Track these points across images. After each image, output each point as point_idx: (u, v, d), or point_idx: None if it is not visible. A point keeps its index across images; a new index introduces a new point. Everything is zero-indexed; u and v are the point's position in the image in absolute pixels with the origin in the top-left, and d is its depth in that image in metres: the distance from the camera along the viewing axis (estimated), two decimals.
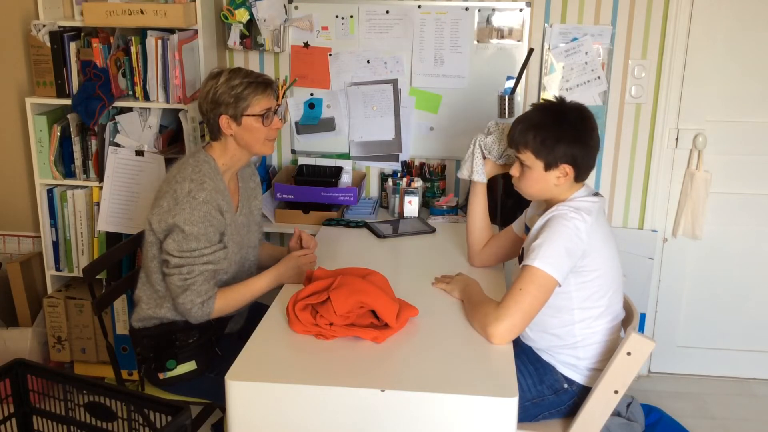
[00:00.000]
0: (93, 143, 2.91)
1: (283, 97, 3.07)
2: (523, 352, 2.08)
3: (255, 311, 2.32)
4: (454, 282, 2.18)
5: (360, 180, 3.10)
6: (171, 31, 2.79)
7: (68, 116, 2.91)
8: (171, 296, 2.11)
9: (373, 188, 3.21)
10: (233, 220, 2.19)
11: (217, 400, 2.19)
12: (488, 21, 2.95)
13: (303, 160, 3.11)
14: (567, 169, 1.97)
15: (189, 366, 2.16)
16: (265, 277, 2.20)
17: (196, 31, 2.83)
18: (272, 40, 2.98)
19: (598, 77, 2.96)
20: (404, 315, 1.93)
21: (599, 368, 2.02)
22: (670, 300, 3.20)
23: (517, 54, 2.97)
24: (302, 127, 3.14)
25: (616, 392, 1.95)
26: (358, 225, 2.77)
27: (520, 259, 2.03)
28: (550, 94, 2.96)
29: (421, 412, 1.65)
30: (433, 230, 2.74)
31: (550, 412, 2.08)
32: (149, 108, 2.87)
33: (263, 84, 2.14)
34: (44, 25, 2.80)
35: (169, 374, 2.15)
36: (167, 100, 2.82)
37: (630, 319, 2.10)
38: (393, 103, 3.07)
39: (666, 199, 3.10)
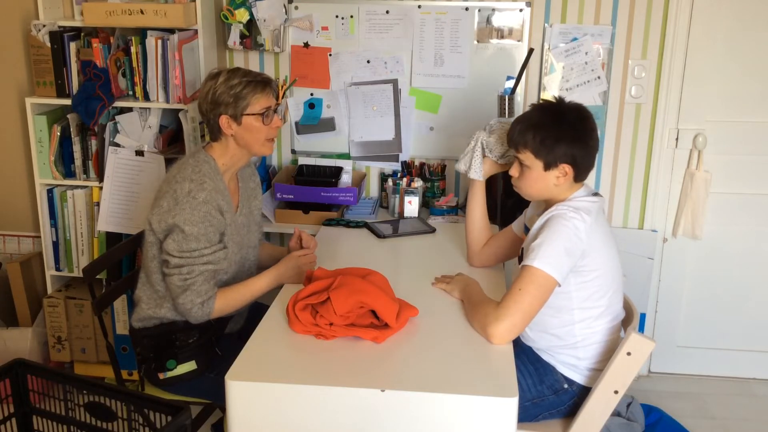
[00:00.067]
0: (93, 143, 2.91)
1: (283, 97, 3.07)
2: (523, 352, 2.08)
3: (255, 311, 2.32)
4: (454, 282, 2.18)
5: (360, 180, 3.10)
6: (171, 31, 2.79)
7: (68, 116, 2.91)
8: (171, 296, 2.11)
9: (373, 188, 3.21)
10: (233, 220, 2.19)
11: (217, 400, 2.19)
12: (488, 21, 2.95)
13: (303, 160, 3.11)
14: (566, 168, 1.97)
15: (189, 366, 2.16)
16: (265, 277, 2.20)
17: (196, 31, 2.83)
18: (272, 40, 2.98)
19: (598, 77, 2.96)
20: (404, 315, 1.93)
21: (599, 368, 2.02)
22: (670, 300, 3.20)
23: (517, 54, 2.97)
24: (302, 127, 3.14)
25: (616, 392, 1.95)
26: (358, 225, 2.77)
27: (520, 259, 2.03)
28: (550, 94, 2.96)
29: (421, 412, 1.65)
30: (433, 230, 2.74)
31: (550, 412, 2.08)
32: (149, 108, 2.87)
33: (262, 83, 2.14)
34: (44, 25, 2.80)
35: (169, 374, 2.15)
36: (167, 100, 2.82)
37: (630, 319, 2.10)
38: (393, 103, 3.07)
39: (666, 199, 3.10)
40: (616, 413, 2.51)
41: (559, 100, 2.04)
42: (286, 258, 2.24)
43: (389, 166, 3.16)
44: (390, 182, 3.00)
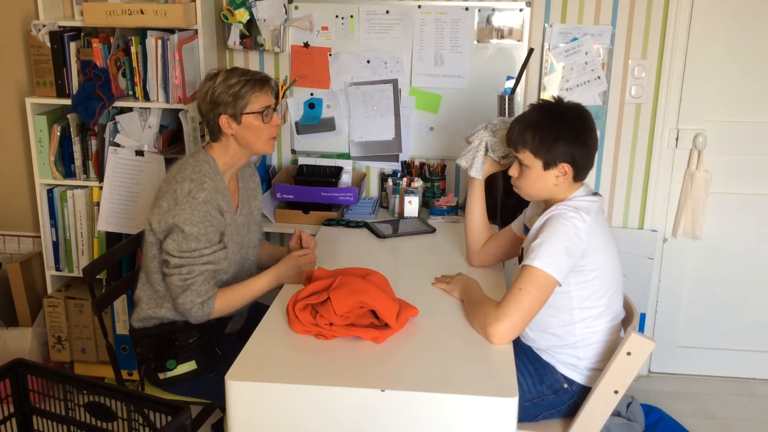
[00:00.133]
0: (93, 143, 2.91)
1: (283, 97, 3.07)
2: (523, 352, 2.08)
3: (255, 311, 2.32)
4: (454, 282, 2.18)
5: (360, 180, 3.10)
6: (171, 31, 2.79)
7: (68, 116, 2.91)
8: (171, 296, 2.11)
9: (373, 188, 3.21)
10: (233, 220, 2.19)
11: (217, 400, 2.19)
12: (488, 21, 2.95)
13: (303, 160, 3.11)
14: (566, 168, 1.97)
15: (189, 366, 2.16)
16: (265, 277, 2.20)
17: (196, 31, 2.83)
18: (272, 40, 2.98)
19: (598, 77, 2.96)
20: (404, 315, 1.93)
21: (599, 368, 2.02)
22: (670, 300, 3.20)
23: (517, 54, 2.97)
24: (302, 127, 3.14)
25: (616, 392, 1.95)
26: (358, 225, 2.77)
27: (520, 259, 2.03)
28: (550, 94, 2.96)
29: (421, 412, 1.65)
30: (433, 230, 2.74)
31: (550, 412, 2.08)
32: (149, 108, 2.87)
33: (261, 81, 2.14)
34: (44, 25, 2.80)
35: (169, 374, 2.15)
36: (167, 100, 2.82)
37: (630, 319, 2.10)
38: (393, 103, 3.07)
39: (666, 199, 3.10)
40: (616, 413, 2.51)
41: (558, 100, 2.04)
42: (286, 258, 2.24)
43: (389, 166, 3.16)
44: (390, 182, 3.00)
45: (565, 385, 2.05)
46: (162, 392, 2.17)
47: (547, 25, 2.94)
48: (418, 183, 2.94)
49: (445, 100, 3.05)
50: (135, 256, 2.93)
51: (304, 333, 1.89)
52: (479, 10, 2.94)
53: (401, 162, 3.12)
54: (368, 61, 3.04)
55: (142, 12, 2.71)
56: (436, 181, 3.05)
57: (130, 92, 2.88)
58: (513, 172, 2.07)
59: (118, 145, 2.87)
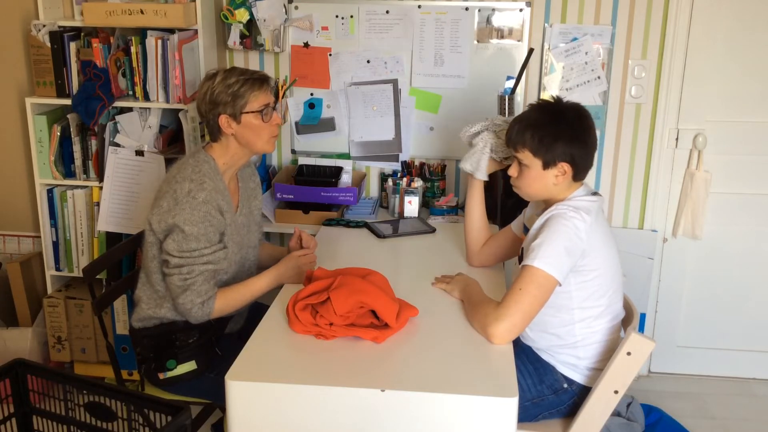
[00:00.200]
0: (93, 143, 2.91)
1: (283, 97, 3.07)
2: (523, 352, 2.08)
3: (255, 311, 2.32)
4: (454, 282, 2.18)
5: (360, 180, 3.10)
6: (171, 31, 2.79)
7: (68, 116, 2.91)
8: (171, 296, 2.11)
9: (373, 188, 3.21)
10: (233, 220, 2.19)
11: (217, 400, 2.19)
12: (488, 21, 2.95)
13: (303, 160, 3.11)
14: (565, 167, 1.97)
15: (189, 366, 2.16)
16: (265, 277, 2.20)
17: (196, 31, 2.83)
18: (272, 40, 2.98)
19: (598, 77, 2.96)
20: (404, 315, 1.93)
21: (599, 368, 2.02)
22: (670, 300, 3.20)
23: (517, 54, 2.97)
24: (302, 127, 3.14)
25: (616, 392, 1.95)
26: (358, 225, 2.77)
27: (520, 259, 2.03)
28: (550, 94, 2.96)
29: (421, 412, 1.65)
30: (433, 230, 2.74)
31: (550, 412, 2.08)
32: (149, 108, 2.87)
33: (259, 80, 2.14)
34: (44, 25, 2.80)
35: (169, 374, 2.15)
36: (167, 100, 2.82)
37: (630, 319, 2.10)
38: (393, 103, 3.07)
39: (666, 199, 3.10)
40: (616, 413, 2.51)
41: (558, 100, 2.04)
42: (286, 258, 2.24)
43: (389, 166, 3.16)
44: (390, 182, 3.00)
45: (565, 385, 2.05)
46: (162, 392, 2.17)
47: (547, 25, 2.94)
48: (418, 183, 2.94)
49: (445, 100, 3.05)
50: (135, 256, 2.93)
51: (304, 333, 1.89)
52: (479, 10, 2.94)
53: (401, 162, 3.12)
54: (368, 61, 3.04)
55: (142, 12, 2.71)
56: (436, 181, 3.05)
57: (130, 92, 2.88)
58: (512, 171, 2.07)
59: (118, 145, 2.87)
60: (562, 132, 1.96)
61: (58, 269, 3.06)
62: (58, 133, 2.90)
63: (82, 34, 2.88)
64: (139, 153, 2.86)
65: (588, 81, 2.96)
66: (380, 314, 1.87)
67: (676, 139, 3.02)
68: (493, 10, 2.93)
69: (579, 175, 2.01)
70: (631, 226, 3.13)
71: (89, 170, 2.95)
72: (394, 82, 3.05)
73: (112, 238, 2.95)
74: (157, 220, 2.07)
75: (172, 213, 2.03)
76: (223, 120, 2.11)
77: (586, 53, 2.93)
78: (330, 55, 3.05)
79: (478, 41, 2.98)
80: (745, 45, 2.92)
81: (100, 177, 2.92)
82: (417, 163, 3.11)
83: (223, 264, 2.13)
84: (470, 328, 1.94)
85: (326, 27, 3.01)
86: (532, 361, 2.08)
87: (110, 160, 2.87)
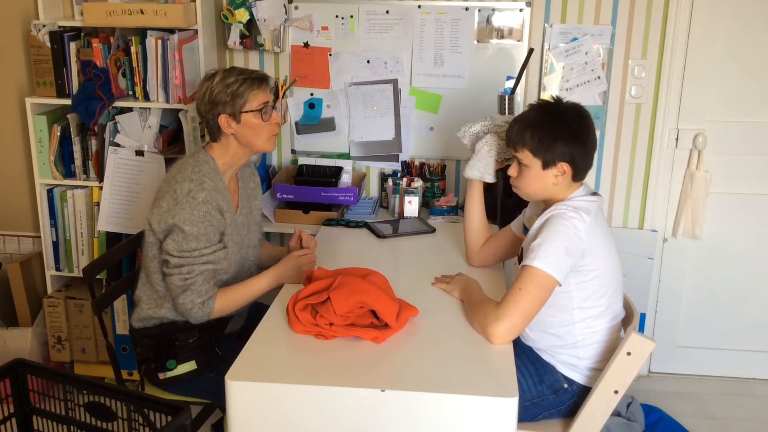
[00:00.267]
0: (93, 143, 2.91)
1: (283, 97, 3.07)
2: (523, 352, 2.08)
3: (255, 311, 2.32)
4: (454, 282, 2.18)
5: (360, 180, 3.10)
6: (171, 31, 2.79)
7: (68, 116, 2.91)
8: (171, 296, 2.11)
9: (373, 188, 3.21)
10: (233, 220, 2.19)
11: (217, 400, 2.19)
12: (488, 21, 2.95)
13: (303, 160, 3.11)
14: (565, 167, 1.97)
15: (189, 366, 2.16)
16: (265, 277, 2.20)
17: (196, 31, 2.83)
18: (272, 40, 2.98)
19: (598, 77, 2.96)
20: (404, 315, 1.93)
21: (599, 368, 2.02)
22: (670, 300, 3.20)
23: (517, 54, 2.97)
24: (302, 127, 3.14)
25: (616, 392, 1.95)
26: (358, 225, 2.77)
27: (520, 259, 2.03)
28: (550, 94, 2.96)
29: (421, 412, 1.65)
30: (433, 230, 2.74)
31: (550, 412, 2.08)
32: (149, 108, 2.87)
33: (258, 79, 2.14)
34: (44, 25, 2.80)
35: (169, 374, 2.15)
36: (167, 100, 2.82)
37: (630, 319, 2.10)
38: (393, 103, 3.07)
39: (666, 199, 3.10)
40: (616, 413, 2.51)
41: (557, 100, 2.04)
42: (286, 258, 2.24)
43: (389, 166, 3.16)
44: (390, 182, 3.00)
45: (565, 385, 2.05)
46: (162, 392, 2.17)
47: (547, 25, 2.94)
48: (418, 183, 2.94)
49: (445, 100, 3.05)
50: (135, 256, 2.93)
51: (304, 333, 1.89)
52: (479, 10, 2.94)
53: (401, 162, 3.12)
54: (368, 61, 3.04)
55: (142, 12, 2.71)
56: (436, 181, 3.05)
57: (130, 92, 2.88)
58: (512, 171, 2.07)
59: (118, 145, 2.87)
60: (561, 132, 1.96)
61: (58, 269, 3.06)
62: (58, 133, 2.90)
63: (82, 34, 2.88)
64: (139, 153, 2.86)
65: (588, 81, 2.96)
66: (380, 314, 1.87)
67: (676, 139, 3.02)
68: (493, 10, 2.93)
69: (578, 175, 2.01)
70: (631, 226, 3.13)
71: (89, 170, 2.95)
72: (394, 82, 3.05)
73: (112, 238, 2.95)
74: (156, 220, 2.07)
75: (172, 213, 2.03)
76: (223, 120, 2.11)
77: (586, 53, 2.93)
78: (330, 55, 3.05)
79: (478, 41, 2.98)
80: (745, 45, 2.92)
81: (100, 177, 2.92)
82: (417, 163, 3.11)
83: (223, 264, 2.13)
84: (470, 328, 1.94)
85: (326, 27, 3.02)
86: (532, 361, 2.08)
87: (110, 160, 2.87)
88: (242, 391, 1.69)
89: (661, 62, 2.93)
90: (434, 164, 3.09)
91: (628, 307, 2.13)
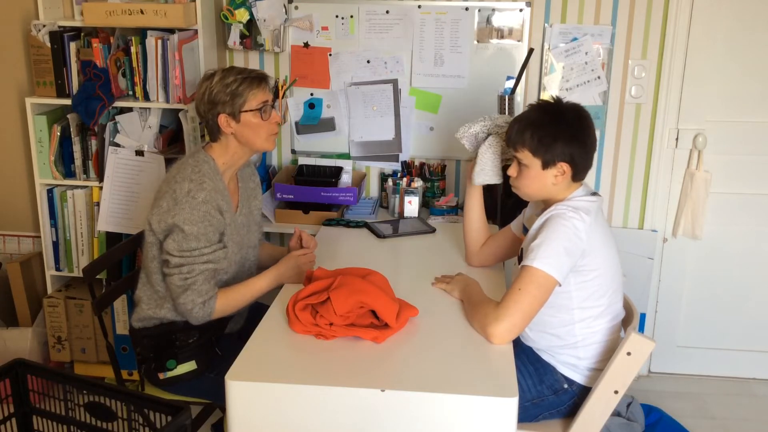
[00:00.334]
0: (93, 143, 2.91)
1: (283, 97, 3.07)
2: (523, 352, 2.08)
3: (255, 311, 2.32)
4: (454, 282, 2.18)
5: (360, 180, 3.10)
6: (171, 31, 2.79)
7: (68, 116, 2.91)
8: (171, 297, 2.11)
9: (373, 188, 3.21)
10: (233, 220, 2.19)
11: (217, 400, 2.19)
12: (488, 21, 2.95)
13: (303, 160, 3.11)
14: (564, 167, 1.97)
15: (189, 366, 2.16)
16: (266, 277, 2.20)
17: (196, 31, 2.83)
18: (272, 40, 2.98)
19: (598, 77, 2.96)
20: (404, 315, 1.93)
21: (599, 368, 2.02)
22: (670, 300, 3.20)
23: (517, 54, 2.97)
24: (302, 127, 3.14)
25: (616, 392, 1.95)
26: (358, 225, 2.77)
27: (519, 260, 2.03)
28: (550, 94, 2.96)
29: (421, 412, 1.65)
30: (433, 230, 2.74)
31: (550, 413, 2.08)
32: (149, 108, 2.87)
33: (257, 78, 2.14)
34: (44, 25, 2.80)
35: (169, 374, 2.15)
36: (167, 100, 2.82)
37: (630, 319, 2.10)
38: (393, 103, 3.07)
39: (666, 199, 3.10)
40: (616, 413, 2.51)
41: (557, 100, 2.04)
42: (286, 258, 2.24)
43: (389, 166, 3.16)
44: (390, 182, 3.00)
45: (565, 386, 2.05)
46: (162, 392, 2.17)
47: (547, 25, 2.94)
48: (418, 183, 2.94)
49: (445, 100, 3.05)
50: (135, 256, 2.93)
51: (304, 333, 1.89)
52: (479, 10, 2.94)
53: (401, 162, 3.12)
54: (368, 61, 3.04)
55: (142, 12, 2.71)
56: (436, 181, 3.05)
57: (130, 92, 2.88)
58: (512, 172, 2.07)
59: (118, 145, 2.87)
60: (561, 132, 1.96)
61: (58, 269, 3.06)
62: (58, 133, 2.90)
63: (82, 34, 2.88)
64: (139, 153, 2.86)
65: (588, 81, 2.96)
66: (380, 314, 1.87)
67: (676, 139, 3.02)
68: (493, 10, 2.93)
69: (578, 175, 2.01)
70: (631, 226, 3.13)
71: (89, 170, 2.95)
72: (394, 82, 3.05)
73: (112, 238, 2.95)
74: (156, 220, 2.07)
75: (172, 213, 2.03)
76: (222, 119, 2.11)
77: (586, 53, 2.93)
78: (330, 55, 3.05)
79: (478, 41, 2.98)
80: (745, 45, 2.92)
81: (100, 177, 2.92)
82: (417, 163, 3.11)
83: (223, 264, 2.13)
84: (470, 328, 1.94)
85: (326, 27, 3.02)
86: (532, 362, 2.08)
87: (110, 160, 2.87)
88: (242, 391, 1.69)
89: (661, 62, 2.93)
90: (434, 164, 3.09)
91: (628, 307, 2.13)
